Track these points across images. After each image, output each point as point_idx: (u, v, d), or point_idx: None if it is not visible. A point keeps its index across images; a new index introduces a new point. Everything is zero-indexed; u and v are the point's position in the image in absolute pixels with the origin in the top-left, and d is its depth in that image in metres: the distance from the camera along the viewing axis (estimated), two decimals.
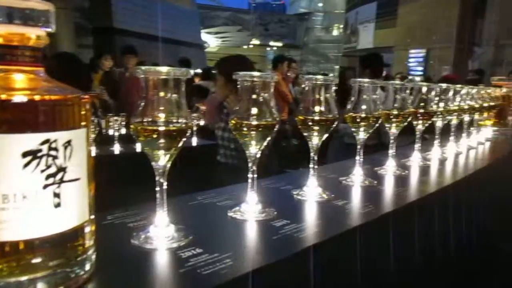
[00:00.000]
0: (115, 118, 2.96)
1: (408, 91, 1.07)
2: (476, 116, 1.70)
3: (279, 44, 34.60)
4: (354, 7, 25.89)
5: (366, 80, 0.91)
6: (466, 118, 1.57)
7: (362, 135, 0.96)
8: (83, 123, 0.45)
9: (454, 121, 1.46)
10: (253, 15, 32.99)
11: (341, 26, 30.85)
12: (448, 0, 16.88)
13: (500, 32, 14.59)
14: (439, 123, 1.34)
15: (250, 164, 0.74)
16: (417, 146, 1.26)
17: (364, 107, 0.93)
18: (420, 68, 18.86)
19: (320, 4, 35.05)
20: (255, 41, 32.49)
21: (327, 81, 0.79)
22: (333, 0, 33.98)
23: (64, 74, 2.44)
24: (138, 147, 3.05)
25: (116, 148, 2.90)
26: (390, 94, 1.05)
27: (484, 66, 14.70)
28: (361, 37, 24.60)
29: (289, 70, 7.21)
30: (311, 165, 0.87)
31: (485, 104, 1.74)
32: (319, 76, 0.79)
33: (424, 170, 1.16)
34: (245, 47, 32.98)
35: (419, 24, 18.35)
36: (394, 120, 1.06)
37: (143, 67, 0.56)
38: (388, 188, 0.96)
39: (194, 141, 3.36)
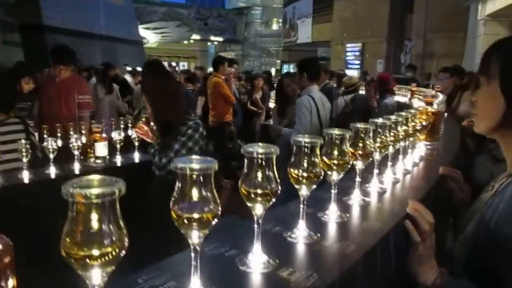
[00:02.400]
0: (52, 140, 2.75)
1: (348, 140, 1.09)
2: (411, 139, 1.78)
3: (220, 38, 34.41)
4: (291, 2, 26.34)
5: (307, 140, 0.91)
6: (402, 143, 1.64)
7: (304, 191, 0.96)
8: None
9: (391, 149, 1.52)
10: (190, 9, 32.49)
11: (280, 20, 31.30)
12: None
13: (427, 27, 15.52)
14: (377, 156, 1.39)
15: (192, 255, 0.71)
16: (357, 182, 1.29)
17: (305, 165, 0.93)
18: (357, 62, 19.64)
19: None
20: (195, 36, 32.09)
21: (268, 155, 0.78)
22: None
23: None
24: (77, 169, 2.88)
25: (52, 172, 2.72)
26: (329, 143, 1.07)
27: (415, 59, 15.61)
28: (300, 31, 25.11)
29: (231, 70, 7.20)
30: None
31: (419, 126, 1.83)
32: (260, 150, 0.77)
33: (364, 212, 1.20)
34: (185, 42, 32.45)
35: (353, 19, 19.06)
36: (335, 168, 1.08)
37: (73, 190, 0.50)
38: (333, 247, 0.97)
39: (136, 157, 3.22)
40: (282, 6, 29.59)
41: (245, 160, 0.80)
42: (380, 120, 1.35)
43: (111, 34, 18.01)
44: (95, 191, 0.51)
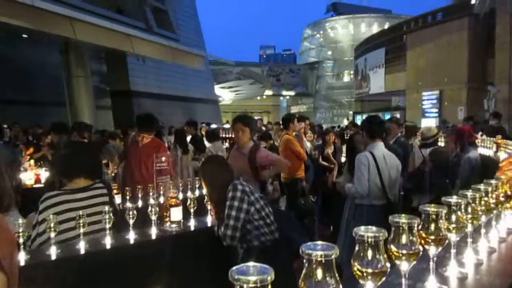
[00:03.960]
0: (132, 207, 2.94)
1: (416, 228, 1.04)
2: (494, 212, 1.64)
3: (292, 93, 35.34)
4: (362, 54, 26.44)
5: (370, 234, 0.88)
6: (483, 219, 1.51)
7: (369, 286, 0.92)
8: None
9: (470, 228, 1.40)
10: (264, 67, 34.04)
11: (351, 72, 31.44)
12: (455, 42, 17.12)
13: None
14: (453, 238, 1.28)
15: None
16: (431, 268, 1.20)
17: (369, 259, 0.89)
18: (435, 110, 18.81)
19: (329, 53, 36.01)
20: (268, 92, 33.28)
21: (328, 257, 0.76)
22: (341, 48, 34.94)
23: (76, 163, 2.47)
24: (154, 234, 3.01)
25: (131, 237, 2.87)
26: (397, 231, 1.02)
27: (500, 104, 14.59)
28: (372, 82, 24.92)
29: (301, 126, 7.27)
30: None
31: (502, 197, 1.67)
32: (319, 252, 0.76)
33: None
34: (258, 98, 33.70)
35: (428, 66, 18.55)
36: (404, 258, 1.02)
37: None
38: None
39: (209, 220, 3.28)
40: (353, 58, 29.82)
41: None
42: (454, 199, 1.26)
43: (189, 95, 19.36)
44: None
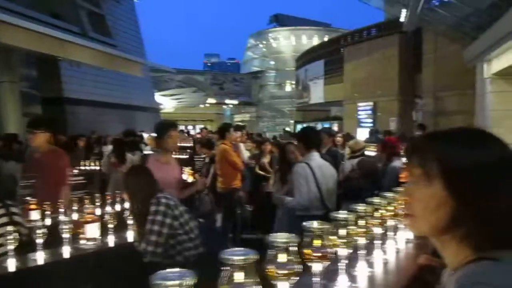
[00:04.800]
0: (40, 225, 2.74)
1: (294, 248, 1.03)
2: (392, 222, 1.70)
3: (235, 101, 35.48)
4: (303, 64, 27.18)
5: (237, 257, 0.86)
6: (377, 230, 1.56)
7: None
8: None
9: (363, 240, 1.44)
10: (207, 75, 33.97)
11: (293, 82, 32.20)
12: (387, 56, 18.09)
13: (436, 85, 15.65)
14: (342, 253, 1.30)
15: None
16: (316, 285, 1.21)
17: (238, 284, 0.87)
18: (370, 120, 19.67)
19: (272, 63, 36.72)
20: (211, 100, 33.15)
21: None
22: (283, 59, 35.76)
23: None
24: (66, 253, 2.82)
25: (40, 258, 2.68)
26: (273, 251, 1.01)
27: (428, 116, 15.58)
28: (312, 92, 25.63)
29: (237, 135, 7.25)
30: None
31: (400, 209, 1.74)
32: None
33: None
34: (201, 106, 33.46)
35: (363, 79, 19.41)
36: (282, 277, 1.01)
37: None
38: None
39: (111, 240, 2.99)
40: (294, 69, 30.58)
41: None
42: (342, 215, 1.28)
43: (129, 103, 18.77)
44: None
